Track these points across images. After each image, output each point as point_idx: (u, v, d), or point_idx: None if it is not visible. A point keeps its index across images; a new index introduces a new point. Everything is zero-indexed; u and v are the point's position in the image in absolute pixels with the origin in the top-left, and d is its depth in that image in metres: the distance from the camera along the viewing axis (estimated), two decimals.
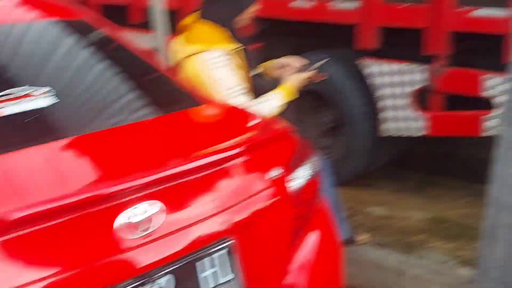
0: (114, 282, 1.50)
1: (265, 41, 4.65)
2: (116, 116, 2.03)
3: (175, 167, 1.64)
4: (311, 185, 2.05)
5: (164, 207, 1.58)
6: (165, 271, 1.60)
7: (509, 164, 2.36)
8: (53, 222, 1.42)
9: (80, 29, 2.42)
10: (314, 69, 2.83)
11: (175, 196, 1.63)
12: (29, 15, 2.37)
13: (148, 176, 1.57)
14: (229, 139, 1.89)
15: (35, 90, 1.97)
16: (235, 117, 2.18)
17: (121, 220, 1.52)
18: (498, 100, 3.39)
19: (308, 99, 4.38)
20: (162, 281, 1.59)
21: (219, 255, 1.71)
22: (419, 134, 3.79)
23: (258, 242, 1.82)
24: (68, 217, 1.44)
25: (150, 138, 1.94)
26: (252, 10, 2.63)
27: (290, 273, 1.94)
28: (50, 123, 1.91)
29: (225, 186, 1.77)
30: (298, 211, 1.97)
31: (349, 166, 4.21)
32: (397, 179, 4.50)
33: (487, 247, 2.48)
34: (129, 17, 5.35)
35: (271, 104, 2.56)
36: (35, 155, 1.70)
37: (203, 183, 1.71)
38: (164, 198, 1.59)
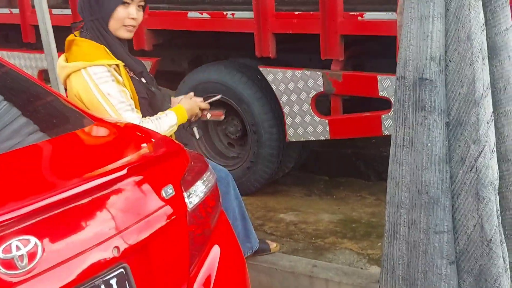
0: None
1: (164, 54, 4.60)
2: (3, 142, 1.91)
3: (55, 195, 1.55)
4: (208, 201, 2.01)
5: (39, 241, 1.49)
6: None
7: (402, 162, 2.42)
8: None
9: None
10: (208, 102, 2.83)
11: (56, 226, 1.54)
12: None
13: (20, 208, 1.47)
14: (117, 160, 1.82)
15: None
16: (124, 136, 2.11)
17: None
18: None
19: (213, 110, 4.37)
20: None
21: (114, 282, 1.64)
22: (322, 138, 3.84)
23: (155, 264, 1.76)
24: None
25: (33, 164, 1.83)
26: (120, 17, 2.47)
27: None
28: None
29: (115, 209, 1.69)
30: (195, 229, 1.93)
31: (257, 174, 4.22)
32: (305, 183, 4.55)
33: (389, 245, 2.54)
34: (23, 36, 5.14)
35: (161, 123, 2.48)
36: None
37: (89, 208, 1.63)
38: (40, 231, 1.49)
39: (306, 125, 3.87)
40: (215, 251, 2.02)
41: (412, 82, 2.34)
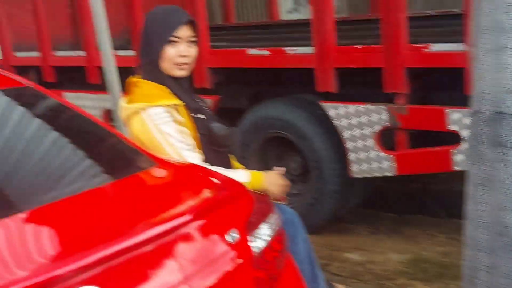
0: None
1: (224, 92, 4.59)
2: (60, 187, 1.89)
3: (120, 243, 1.50)
4: (274, 245, 1.92)
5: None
6: None
7: (480, 202, 2.27)
8: None
9: (27, 96, 2.32)
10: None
11: (121, 275, 1.48)
12: None
13: (85, 258, 1.42)
14: (181, 203, 1.78)
15: None
16: (187, 177, 2.06)
17: None
18: (464, 133, 3.33)
19: (274, 146, 4.31)
20: None
21: None
22: (388, 174, 3.70)
23: None
24: None
25: (97, 209, 1.79)
26: (170, 57, 2.39)
27: None
28: None
29: (180, 255, 1.63)
30: (261, 274, 1.84)
31: (320, 212, 4.10)
32: (371, 221, 4.40)
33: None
34: (87, 77, 5.26)
35: (224, 171, 2.33)
36: None
37: (154, 255, 1.57)
38: (105, 281, 1.44)
39: (371, 161, 3.74)
40: None
41: (488, 116, 2.20)
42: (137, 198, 1.88)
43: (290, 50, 3.99)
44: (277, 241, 1.96)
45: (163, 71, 2.42)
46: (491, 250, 2.26)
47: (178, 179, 2.07)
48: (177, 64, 2.41)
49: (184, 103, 2.42)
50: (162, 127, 2.33)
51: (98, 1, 3.78)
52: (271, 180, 2.48)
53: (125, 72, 3.84)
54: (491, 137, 2.21)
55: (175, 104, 2.39)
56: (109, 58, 3.79)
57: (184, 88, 2.48)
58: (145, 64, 2.47)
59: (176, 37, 2.38)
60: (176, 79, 2.45)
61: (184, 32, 2.39)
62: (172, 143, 2.30)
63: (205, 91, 4.50)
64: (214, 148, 2.47)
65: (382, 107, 3.61)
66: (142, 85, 2.45)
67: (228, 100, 4.74)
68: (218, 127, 2.50)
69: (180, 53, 2.39)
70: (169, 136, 2.31)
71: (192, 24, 2.42)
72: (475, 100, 2.26)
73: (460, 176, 4.61)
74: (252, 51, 4.21)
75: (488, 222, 2.25)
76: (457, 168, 3.43)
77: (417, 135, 3.78)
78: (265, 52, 4.13)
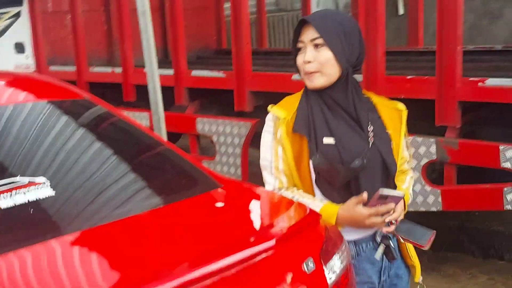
0: None
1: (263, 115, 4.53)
2: (125, 205, 1.82)
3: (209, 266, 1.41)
4: (343, 279, 1.82)
5: None
6: None
7: None
8: None
9: (85, 108, 2.27)
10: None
11: None
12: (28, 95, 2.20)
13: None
14: (257, 229, 1.69)
15: (33, 179, 1.77)
16: (257, 202, 1.97)
17: None
18: None
19: None
20: None
21: None
22: (434, 209, 3.60)
23: None
24: None
25: (169, 231, 1.71)
26: (299, 66, 2.07)
27: None
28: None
29: (260, 283, 1.54)
30: None
31: None
32: None
33: None
34: (124, 95, 5.17)
35: (300, 201, 2.04)
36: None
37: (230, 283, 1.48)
38: None
39: (415, 195, 3.64)
40: None
41: None
42: (204, 224, 1.80)
43: None
44: (346, 275, 1.86)
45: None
46: None
47: (247, 204, 1.98)
48: (306, 74, 2.04)
49: (308, 119, 2.05)
50: (262, 134, 2.12)
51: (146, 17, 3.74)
52: (348, 214, 1.98)
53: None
54: None
55: (281, 118, 2.07)
56: (154, 76, 3.75)
57: (331, 104, 2.06)
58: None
59: (300, 41, 2.04)
60: (319, 92, 2.05)
61: (306, 34, 2.02)
62: (260, 156, 2.13)
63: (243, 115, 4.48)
64: (327, 182, 2.06)
65: (431, 140, 3.52)
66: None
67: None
68: (322, 161, 2.01)
69: (304, 59, 2.02)
70: (261, 147, 2.12)
71: (315, 24, 2.01)
72: None
73: (497, 216, 4.53)
74: (296, 77, 4.15)
75: None
76: (508, 208, 3.33)
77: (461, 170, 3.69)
78: None
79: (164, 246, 1.61)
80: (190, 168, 2.13)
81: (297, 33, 2.04)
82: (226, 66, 4.78)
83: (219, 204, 1.96)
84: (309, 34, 2.00)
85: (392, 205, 2.02)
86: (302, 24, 2.03)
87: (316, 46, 2.00)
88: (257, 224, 1.79)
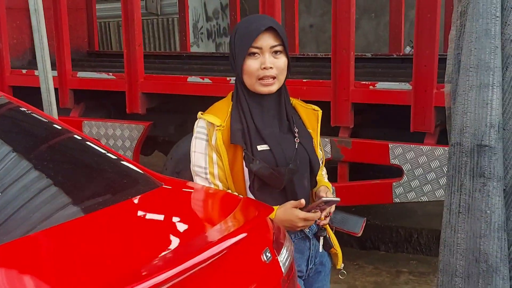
0: None
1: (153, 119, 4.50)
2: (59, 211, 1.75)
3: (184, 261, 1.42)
4: (290, 270, 1.91)
5: None
6: None
7: (457, 229, 2.39)
8: None
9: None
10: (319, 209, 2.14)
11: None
12: None
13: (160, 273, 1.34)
14: (221, 223, 1.71)
15: None
16: (208, 199, 2.00)
17: None
18: (405, 167, 3.53)
19: None
20: None
21: None
22: None
23: None
24: None
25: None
26: (251, 71, 2.10)
27: None
28: None
29: (226, 275, 1.58)
30: None
31: None
32: None
33: None
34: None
35: None
36: None
37: (206, 275, 1.51)
38: None
39: None
40: None
41: (470, 148, 2.37)
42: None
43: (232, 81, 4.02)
44: (291, 267, 1.94)
45: (248, 88, 2.14)
46: (467, 276, 2.40)
47: (193, 200, 2.00)
48: (261, 79, 2.10)
49: (242, 128, 2.13)
50: (193, 142, 2.15)
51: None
52: (285, 217, 2.07)
53: None
54: (472, 168, 2.37)
55: (216, 125, 2.11)
56: (48, 77, 3.60)
57: (267, 108, 2.17)
58: (235, 79, 2.20)
59: (256, 47, 2.08)
60: (260, 96, 2.15)
61: (265, 40, 2.08)
62: (192, 162, 2.18)
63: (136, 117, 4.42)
64: (265, 186, 2.13)
65: (326, 139, 3.74)
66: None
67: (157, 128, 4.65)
68: (263, 166, 2.09)
69: (262, 65, 2.08)
70: (193, 154, 2.16)
71: (275, 31, 2.09)
72: (456, 133, 2.42)
73: (372, 210, 4.89)
74: (192, 79, 4.19)
75: (465, 249, 2.40)
76: (397, 201, 3.62)
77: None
78: (207, 81, 4.13)
79: (120, 249, 1.59)
80: (126, 167, 2.10)
81: (251, 39, 2.07)
82: (104, 68, 4.76)
83: (169, 203, 1.95)
84: (269, 41, 2.07)
85: (333, 208, 2.20)
86: (259, 31, 2.07)
87: (276, 52, 2.08)
88: (215, 219, 1.82)
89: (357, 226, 2.25)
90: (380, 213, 4.94)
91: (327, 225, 2.28)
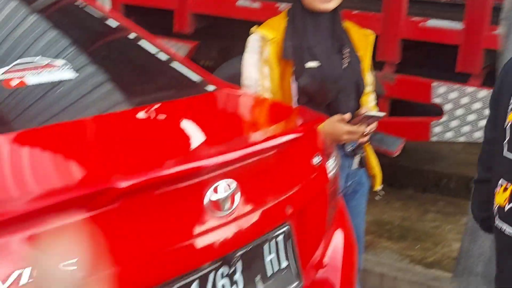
0: (196, 265, 1.39)
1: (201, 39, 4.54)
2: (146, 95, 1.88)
3: (247, 146, 1.53)
4: (335, 180, 2.01)
5: (238, 187, 1.47)
6: (239, 254, 1.50)
7: None
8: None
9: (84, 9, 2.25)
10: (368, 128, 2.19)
11: (246, 176, 1.52)
12: None
13: (225, 154, 1.45)
14: (278, 125, 1.81)
15: (52, 61, 1.77)
16: (265, 104, 2.09)
17: (205, 197, 1.39)
18: (446, 107, 3.57)
19: None
20: (236, 263, 1.49)
21: (280, 239, 1.63)
22: None
23: (307, 228, 1.75)
24: (155, 192, 1.30)
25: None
26: None
27: (323, 267, 1.89)
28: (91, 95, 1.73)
29: (282, 169, 1.68)
30: (331, 201, 1.93)
31: None
32: None
33: (469, 242, 2.59)
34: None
35: None
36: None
37: (265, 166, 1.61)
38: (238, 177, 1.47)
39: None
40: (340, 232, 2.02)
41: None
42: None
43: (283, 6, 4.04)
44: (336, 179, 2.03)
45: (305, 4, 2.19)
46: None
47: (257, 106, 2.09)
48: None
49: (294, 44, 2.20)
50: (245, 55, 2.24)
51: None
52: (331, 130, 2.13)
53: None
54: None
55: (268, 38, 2.19)
56: None
57: (321, 27, 2.23)
58: None
59: None
60: (316, 15, 2.21)
61: None
62: (243, 75, 2.27)
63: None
64: (311, 102, 2.21)
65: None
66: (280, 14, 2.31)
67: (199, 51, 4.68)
68: (310, 81, 2.18)
69: None
70: (244, 67, 2.25)
71: None
72: None
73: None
74: (241, 2, 4.21)
75: None
76: (434, 139, 3.68)
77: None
78: (256, 5, 4.15)
79: (184, 135, 1.71)
80: (186, 68, 2.18)
81: None
82: None
83: (227, 104, 2.04)
84: None
85: (375, 124, 2.25)
86: None
87: None
88: (272, 120, 1.92)
89: (394, 145, 2.33)
90: (412, 156, 5.00)
91: (367, 148, 2.37)
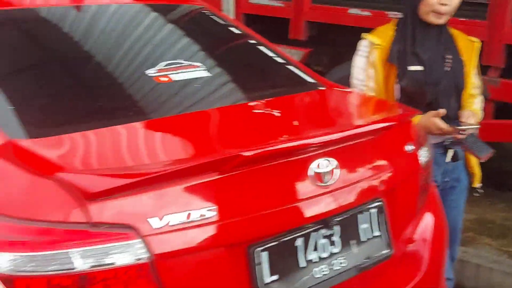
0: (300, 223, 1.74)
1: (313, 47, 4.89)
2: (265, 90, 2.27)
3: (347, 130, 1.87)
4: (427, 168, 2.27)
5: (338, 164, 1.80)
6: (337, 219, 1.82)
7: None
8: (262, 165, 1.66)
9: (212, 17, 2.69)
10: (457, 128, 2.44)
11: (346, 156, 1.85)
12: None
13: (328, 135, 1.80)
14: (375, 116, 2.13)
15: (191, 63, 2.21)
16: (367, 100, 2.42)
17: (310, 170, 1.74)
18: None
19: None
20: (334, 227, 1.82)
21: (373, 212, 1.94)
22: None
23: (398, 206, 2.05)
24: (271, 163, 1.67)
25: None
26: (430, 3, 2.43)
27: (413, 242, 2.17)
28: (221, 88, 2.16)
29: (378, 154, 2.00)
30: (422, 185, 2.20)
31: None
32: None
33: None
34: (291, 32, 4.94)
35: None
36: (231, 112, 2.00)
37: (363, 149, 1.94)
38: (339, 156, 1.81)
39: None
40: (430, 214, 2.29)
41: None
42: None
43: (392, 15, 4.30)
44: (427, 168, 2.29)
45: (419, 15, 2.49)
46: None
47: (359, 100, 2.43)
48: (436, 12, 2.45)
49: (398, 49, 2.50)
50: (354, 58, 2.61)
51: None
52: (421, 122, 2.41)
53: None
54: None
55: (375, 44, 2.54)
56: None
57: (430, 36, 2.52)
58: (404, 4, 2.61)
59: None
60: (426, 25, 2.50)
61: None
62: (352, 76, 2.62)
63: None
64: (412, 102, 2.46)
65: None
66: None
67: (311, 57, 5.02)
68: (412, 83, 2.47)
69: (441, 1, 2.42)
70: (353, 68, 2.61)
71: None
72: None
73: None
74: (353, 11, 4.52)
75: None
76: None
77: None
78: (366, 13, 4.43)
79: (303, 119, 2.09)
80: (299, 69, 2.55)
81: None
82: None
83: (334, 99, 2.39)
84: None
85: (475, 129, 2.49)
86: None
87: None
88: (373, 111, 2.27)
89: (483, 152, 2.50)
90: None
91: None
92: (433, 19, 2.47)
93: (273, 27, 5.25)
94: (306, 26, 4.80)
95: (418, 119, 2.42)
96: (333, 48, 5.04)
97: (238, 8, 5.13)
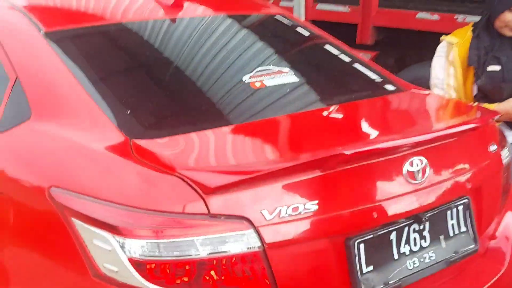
0: (394, 218, 1.87)
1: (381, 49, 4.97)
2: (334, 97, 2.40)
3: (438, 131, 1.98)
4: (510, 166, 2.35)
5: (428, 163, 1.92)
6: (427, 215, 1.93)
7: None
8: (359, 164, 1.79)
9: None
10: None
11: (435, 156, 1.96)
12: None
13: (421, 135, 1.92)
14: (460, 117, 2.24)
15: (281, 68, 2.35)
16: (445, 102, 2.52)
17: (403, 168, 1.86)
18: None
19: None
20: (425, 222, 1.93)
21: (460, 209, 2.04)
22: None
23: (483, 204, 2.14)
24: (369, 162, 1.80)
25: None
26: (505, 20, 2.74)
27: (495, 238, 2.25)
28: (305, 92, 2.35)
29: (464, 153, 2.10)
30: (504, 185, 2.28)
31: None
32: None
33: None
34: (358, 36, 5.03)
35: None
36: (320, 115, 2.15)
37: (450, 149, 2.04)
38: (429, 156, 1.92)
39: None
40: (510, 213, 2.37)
41: None
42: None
43: (460, 18, 4.35)
44: (510, 164, 2.38)
45: (494, 27, 2.78)
46: None
47: (439, 103, 2.54)
48: (508, 27, 2.76)
49: (479, 53, 2.73)
50: (434, 59, 2.79)
51: None
52: (501, 107, 2.71)
53: None
54: None
55: (453, 43, 2.77)
56: None
57: (505, 42, 2.80)
58: (484, 10, 2.87)
59: None
60: (501, 35, 2.80)
61: None
62: (432, 76, 2.77)
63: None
64: (487, 98, 2.76)
65: None
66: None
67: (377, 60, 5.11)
68: (489, 81, 2.73)
69: None
70: (433, 69, 2.78)
71: None
72: None
73: None
74: (421, 15, 4.58)
75: None
76: None
77: None
78: (435, 17, 4.49)
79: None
80: (380, 73, 2.67)
81: None
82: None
83: (415, 101, 2.49)
84: None
85: None
86: None
87: None
88: (454, 114, 2.39)
89: None
90: None
91: None
92: (507, 33, 2.78)
93: (338, 32, 5.37)
94: (373, 31, 4.89)
95: (498, 104, 2.68)
96: (399, 51, 5.12)
97: (306, 15, 5.28)
